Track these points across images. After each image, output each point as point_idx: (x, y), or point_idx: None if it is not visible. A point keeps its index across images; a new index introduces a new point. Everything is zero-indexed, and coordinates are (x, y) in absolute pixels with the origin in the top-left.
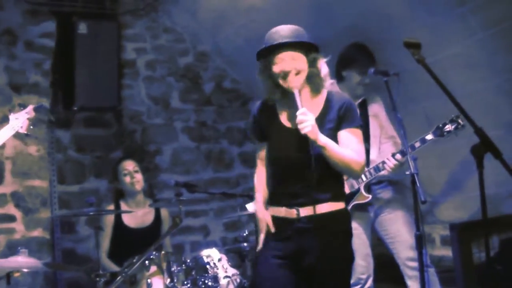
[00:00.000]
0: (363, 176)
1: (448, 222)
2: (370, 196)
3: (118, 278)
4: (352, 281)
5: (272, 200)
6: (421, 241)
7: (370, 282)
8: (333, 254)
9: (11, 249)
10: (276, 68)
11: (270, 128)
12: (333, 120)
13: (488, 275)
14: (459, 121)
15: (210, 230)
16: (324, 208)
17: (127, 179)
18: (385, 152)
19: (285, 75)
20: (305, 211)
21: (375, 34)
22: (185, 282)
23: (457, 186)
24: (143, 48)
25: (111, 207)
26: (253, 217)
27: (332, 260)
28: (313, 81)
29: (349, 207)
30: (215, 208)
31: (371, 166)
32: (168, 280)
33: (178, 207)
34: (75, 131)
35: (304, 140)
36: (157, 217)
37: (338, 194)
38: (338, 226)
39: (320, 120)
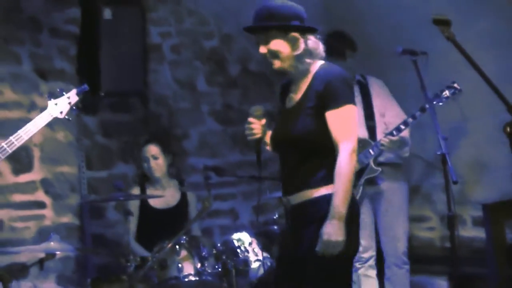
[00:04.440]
0: (371, 150)
1: (479, 203)
2: (380, 169)
3: (149, 263)
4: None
5: None
6: (453, 222)
7: (371, 261)
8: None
9: (42, 235)
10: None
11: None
12: (312, 98)
13: None
14: (455, 85)
15: (238, 214)
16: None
17: (145, 165)
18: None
19: (266, 57)
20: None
21: (398, 13)
22: (216, 266)
23: (488, 165)
24: (168, 32)
25: (136, 190)
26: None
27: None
28: (298, 63)
29: (361, 182)
30: (243, 191)
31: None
32: (199, 264)
33: (206, 191)
34: (101, 117)
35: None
36: (183, 198)
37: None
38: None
39: (300, 104)
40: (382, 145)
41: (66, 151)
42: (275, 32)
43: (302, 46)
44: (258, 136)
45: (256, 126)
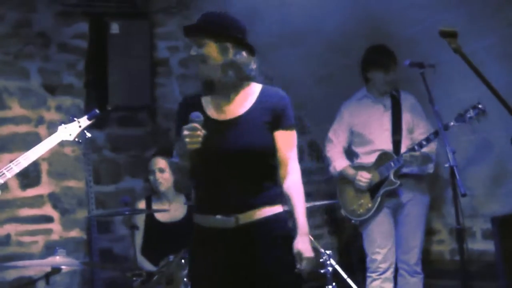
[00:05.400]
0: (392, 163)
1: (489, 216)
2: (398, 182)
3: (155, 278)
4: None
5: None
6: (461, 235)
7: (389, 273)
8: None
9: (49, 250)
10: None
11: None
12: (267, 114)
13: None
14: (480, 106)
15: None
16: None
17: (152, 177)
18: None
19: (193, 60)
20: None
21: (409, 26)
22: None
23: (498, 179)
24: (175, 46)
25: (143, 203)
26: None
27: None
28: (223, 73)
29: (379, 194)
30: None
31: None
32: None
33: None
34: (109, 131)
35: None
36: (189, 212)
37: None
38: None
39: (248, 117)
40: (405, 160)
41: (74, 165)
42: (211, 37)
43: (230, 56)
44: (198, 146)
45: (201, 134)
